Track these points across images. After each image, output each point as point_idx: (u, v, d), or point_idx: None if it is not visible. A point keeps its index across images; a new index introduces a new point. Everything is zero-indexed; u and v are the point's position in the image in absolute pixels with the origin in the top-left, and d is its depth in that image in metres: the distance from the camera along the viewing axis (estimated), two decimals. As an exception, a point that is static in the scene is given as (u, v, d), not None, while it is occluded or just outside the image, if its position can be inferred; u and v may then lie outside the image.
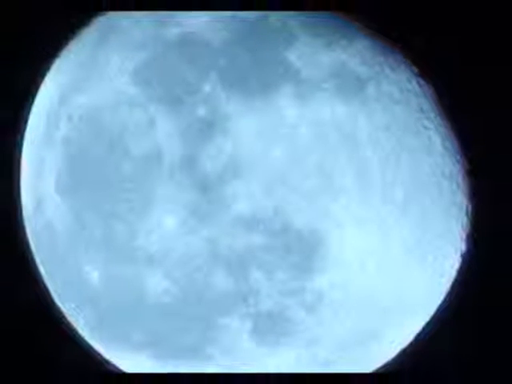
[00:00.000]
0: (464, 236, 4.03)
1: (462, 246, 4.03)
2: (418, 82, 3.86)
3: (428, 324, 4.14)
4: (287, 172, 3.56)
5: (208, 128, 3.56)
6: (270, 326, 3.69)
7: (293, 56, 3.63)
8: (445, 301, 4.07)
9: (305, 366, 3.90)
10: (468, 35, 4.08)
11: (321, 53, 3.67)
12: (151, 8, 3.88)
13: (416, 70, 3.86)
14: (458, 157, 3.94)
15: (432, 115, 3.85)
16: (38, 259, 4.20)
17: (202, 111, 3.59)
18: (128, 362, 4.13)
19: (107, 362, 4.18)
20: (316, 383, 4.10)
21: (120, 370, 4.27)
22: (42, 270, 4.19)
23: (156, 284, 3.66)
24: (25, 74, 4.22)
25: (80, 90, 3.87)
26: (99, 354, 4.21)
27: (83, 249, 3.83)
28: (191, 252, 3.60)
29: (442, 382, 4.41)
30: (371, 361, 4.16)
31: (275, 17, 3.78)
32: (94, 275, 3.80)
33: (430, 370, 4.43)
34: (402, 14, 3.93)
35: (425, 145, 3.77)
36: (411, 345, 4.20)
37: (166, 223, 3.60)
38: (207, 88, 3.59)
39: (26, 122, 4.16)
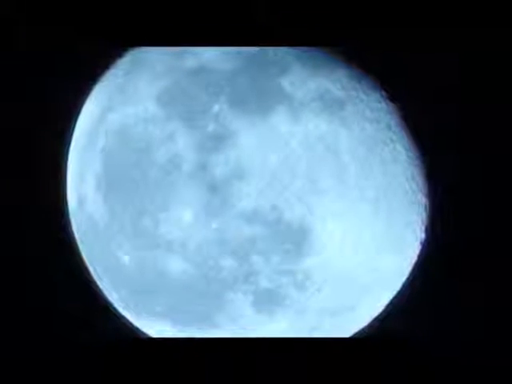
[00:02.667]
0: (423, 227, 4.21)
1: (422, 235, 4.23)
2: (386, 103, 4.04)
3: (394, 297, 4.30)
4: (281, 175, 3.77)
5: (217, 141, 3.79)
6: (268, 300, 3.90)
7: (286, 82, 3.86)
8: (408, 279, 4.27)
9: (295, 331, 4.10)
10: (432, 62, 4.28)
11: (309, 80, 3.88)
12: (173, 43, 3.98)
13: (385, 93, 4.05)
14: (418, 163, 4.12)
15: (397, 130, 4.04)
16: (81, 246, 4.35)
17: (212, 127, 3.81)
18: (152, 328, 4.28)
19: (137, 329, 4.34)
20: (303, 347, 4.24)
21: (147, 336, 4.37)
22: (84, 255, 4.35)
23: (175, 266, 3.87)
24: (71, 95, 4.33)
25: (115, 109, 4.04)
26: (131, 323, 4.33)
27: (116, 236, 3.99)
28: (204, 240, 3.81)
29: (402, 343, 4.54)
30: (349, 327, 4.31)
31: (273, 52, 3.91)
32: (126, 258, 4.00)
33: (394, 334, 4.50)
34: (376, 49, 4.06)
35: (392, 154, 3.98)
36: (381, 314, 4.34)
37: (183, 217, 3.80)
38: (216, 108, 3.82)
39: (71, 135, 4.30)
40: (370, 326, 4.35)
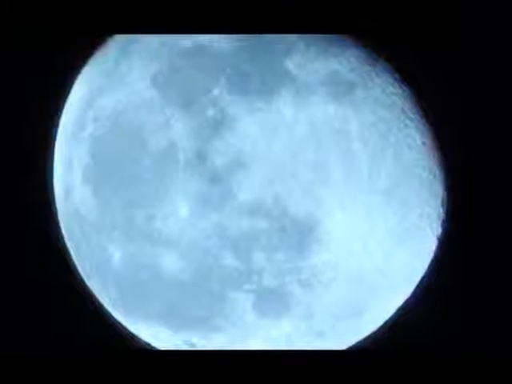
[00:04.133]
0: (440, 221, 4.12)
1: (438, 230, 4.14)
2: (400, 87, 3.97)
3: (407, 300, 4.20)
4: (285, 164, 3.70)
5: (217, 126, 3.73)
6: (271, 301, 3.83)
7: (291, 63, 3.79)
8: (423, 279, 4.17)
9: (301, 336, 4.00)
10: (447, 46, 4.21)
11: (316, 60, 3.83)
12: (160, 31, 3.95)
13: (398, 76, 3.98)
14: (435, 152, 4.04)
15: (412, 115, 3.98)
16: (68, 242, 4.28)
17: (211, 112, 3.75)
18: (145, 331, 4.18)
19: (129, 333, 4.25)
20: (308, 358, 4.15)
21: (139, 340, 4.30)
22: (71, 251, 4.27)
23: (171, 263, 3.80)
24: (57, 80, 4.31)
25: (105, 93, 3.98)
26: (122, 326, 4.27)
27: (106, 231, 3.94)
28: (202, 235, 3.74)
29: (414, 356, 4.42)
30: (357, 333, 4.23)
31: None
32: (116, 256, 3.94)
33: (406, 344, 4.42)
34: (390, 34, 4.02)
35: (406, 141, 3.91)
36: (391, 320, 4.24)
37: (180, 209, 3.74)
38: (216, 92, 3.76)
39: (58, 121, 4.24)
40: (379, 333, 4.27)
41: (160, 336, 4.13)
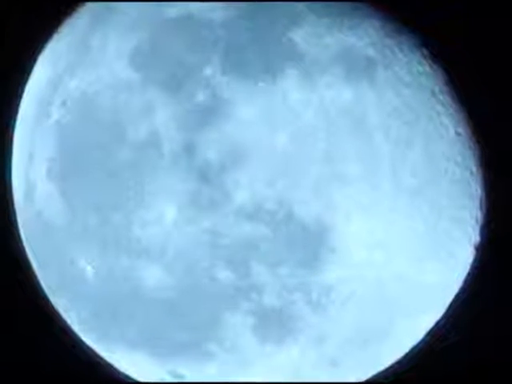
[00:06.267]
0: (478, 227, 3.98)
1: (476, 238, 3.99)
2: (429, 65, 3.83)
3: (440, 321, 4.11)
4: (292, 160, 3.55)
5: (209, 113, 3.56)
6: (274, 323, 3.68)
7: (298, 37, 3.62)
8: (458, 296, 4.06)
9: (310, 366, 3.90)
10: (484, 14, 4.06)
11: (327, 33, 3.66)
12: None
13: (427, 51, 3.84)
14: (472, 143, 3.91)
15: (444, 99, 3.83)
16: (29, 252, 4.20)
17: (202, 95, 3.58)
18: (123, 359, 4.10)
19: (103, 361, 4.16)
20: None
21: (121, 377, 4.25)
22: (33, 263, 4.18)
23: (154, 278, 3.67)
24: (16, 57, 4.25)
25: (74, 73, 3.86)
26: (95, 353, 4.18)
27: (76, 240, 3.81)
28: (191, 244, 3.60)
29: None
30: (380, 360, 4.12)
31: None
32: (89, 269, 3.81)
33: (440, 372, 4.37)
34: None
35: (437, 130, 3.76)
36: (422, 343, 4.15)
37: (164, 213, 3.60)
38: (208, 71, 3.59)
39: (18, 106, 4.15)
40: (404, 362, 4.14)
41: (141, 366, 4.04)
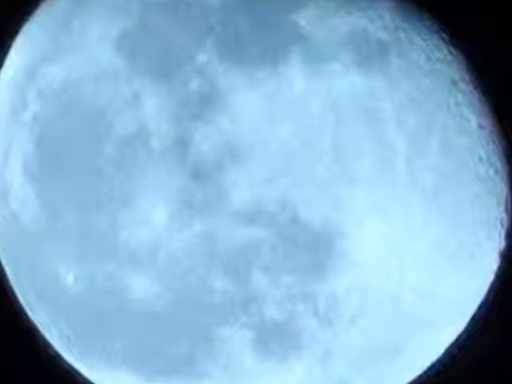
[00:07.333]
0: (503, 231, 3.88)
1: (501, 244, 3.88)
2: (449, 51, 3.72)
3: (460, 336, 4.02)
4: (296, 156, 3.43)
5: (203, 104, 3.44)
6: (276, 338, 3.56)
7: (302, 19, 3.50)
8: (481, 308, 3.96)
9: None
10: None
11: (336, 16, 3.54)
12: None
13: (447, 36, 3.74)
14: (497, 138, 3.80)
15: (466, 88, 3.72)
16: (3, 259, 4.10)
17: (195, 85, 3.45)
18: (108, 379, 3.98)
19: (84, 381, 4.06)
20: None
21: None
22: (9, 272, 4.09)
23: (142, 287, 3.54)
24: None
25: (53, 61, 3.74)
26: (75, 371, 4.09)
27: (56, 246, 3.69)
28: (183, 250, 3.47)
29: None
30: (393, 379, 4.00)
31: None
32: (69, 277, 3.67)
33: None
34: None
35: (457, 123, 3.64)
36: (441, 359, 4.06)
37: (154, 216, 3.48)
38: (202, 58, 3.46)
39: None
40: (422, 381, 4.05)
41: (126, 385, 3.97)
